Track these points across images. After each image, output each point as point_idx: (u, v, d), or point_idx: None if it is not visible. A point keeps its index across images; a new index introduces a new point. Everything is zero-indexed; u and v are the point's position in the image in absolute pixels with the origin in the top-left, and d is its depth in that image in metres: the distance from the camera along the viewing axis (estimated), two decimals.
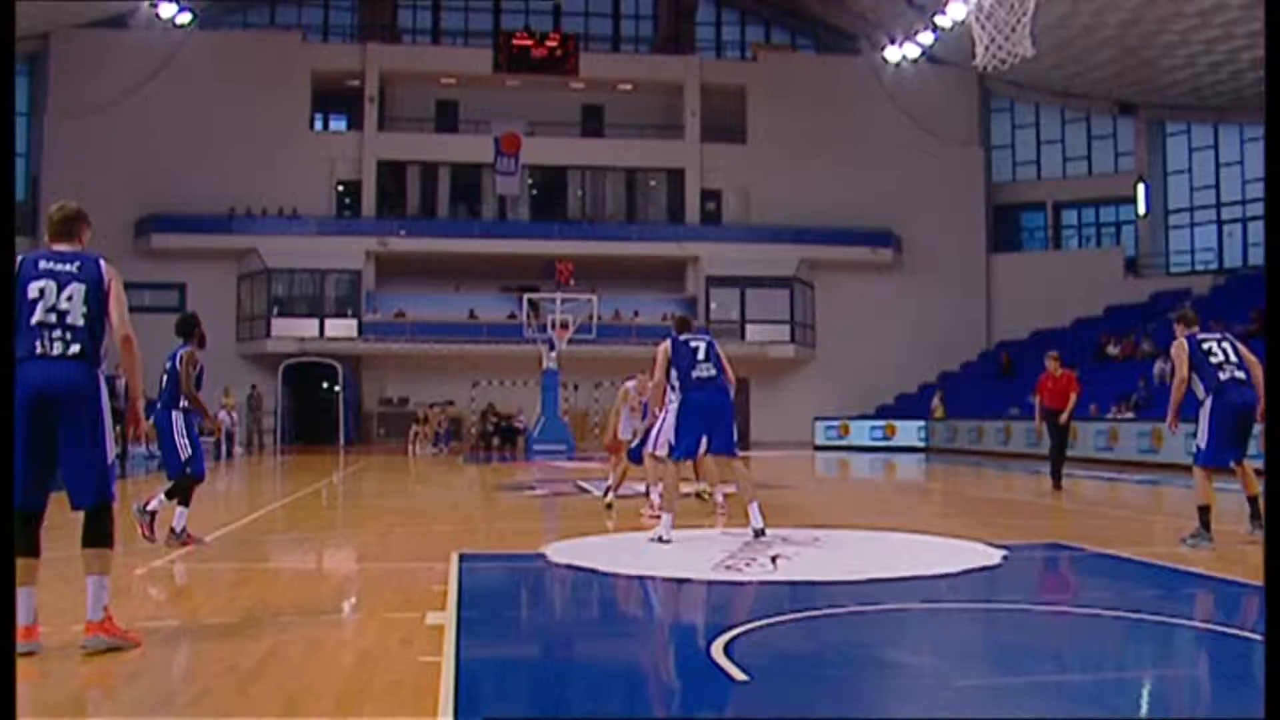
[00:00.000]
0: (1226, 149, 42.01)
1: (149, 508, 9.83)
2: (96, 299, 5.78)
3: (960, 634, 6.54)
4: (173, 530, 9.77)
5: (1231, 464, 10.12)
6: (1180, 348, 10.27)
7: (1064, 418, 16.90)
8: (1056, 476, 17.08)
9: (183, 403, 9.92)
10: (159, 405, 9.96)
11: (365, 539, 11.12)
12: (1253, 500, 10.07)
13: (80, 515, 5.74)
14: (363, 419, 41.40)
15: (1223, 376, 10.02)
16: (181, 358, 9.95)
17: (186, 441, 9.92)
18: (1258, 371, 10.17)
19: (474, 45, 44.72)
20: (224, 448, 30.27)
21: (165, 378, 9.97)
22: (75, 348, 5.68)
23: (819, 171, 42.75)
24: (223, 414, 30.08)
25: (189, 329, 10.22)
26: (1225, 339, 10.37)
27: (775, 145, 43.22)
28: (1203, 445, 10.03)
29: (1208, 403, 10.07)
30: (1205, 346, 10.18)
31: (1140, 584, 8.44)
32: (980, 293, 44.39)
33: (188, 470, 9.87)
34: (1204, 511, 9.93)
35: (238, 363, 38.16)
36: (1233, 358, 10.13)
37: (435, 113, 44.89)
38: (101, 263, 5.87)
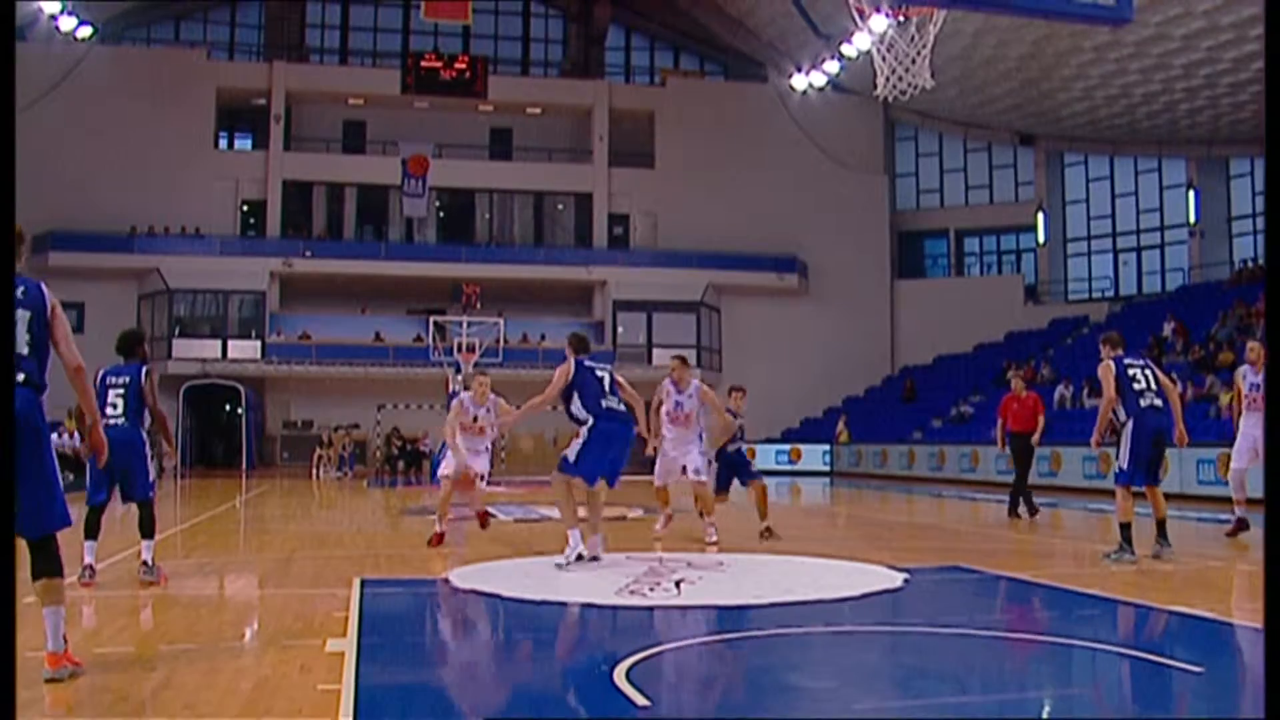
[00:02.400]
0: (1121, 180, 43.08)
1: (146, 559, 9.23)
2: (41, 326, 5.63)
3: (862, 657, 6.59)
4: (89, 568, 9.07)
5: (1144, 487, 10.60)
6: (1107, 369, 10.59)
7: (1035, 439, 16.30)
8: (1028, 502, 16.21)
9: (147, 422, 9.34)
10: (124, 423, 9.13)
11: (266, 564, 10.94)
12: (1160, 524, 10.56)
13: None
14: (266, 442, 40.82)
15: (1143, 403, 10.43)
16: (147, 374, 9.35)
17: (153, 464, 9.41)
18: (1174, 396, 10.74)
19: (382, 66, 44.51)
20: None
21: (122, 394, 9.22)
22: (21, 375, 5.50)
23: (726, 197, 43.08)
24: None
25: (134, 346, 9.61)
26: (1147, 366, 10.79)
27: (683, 170, 43.50)
28: (1124, 466, 10.46)
29: (1129, 426, 10.45)
30: (1130, 372, 10.56)
31: (1038, 606, 8.59)
32: (884, 318, 44.97)
33: (152, 495, 9.34)
34: (1125, 529, 10.39)
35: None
36: (1153, 385, 10.55)
37: (342, 133, 44.58)
38: (44, 288, 5.72)
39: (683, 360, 13.39)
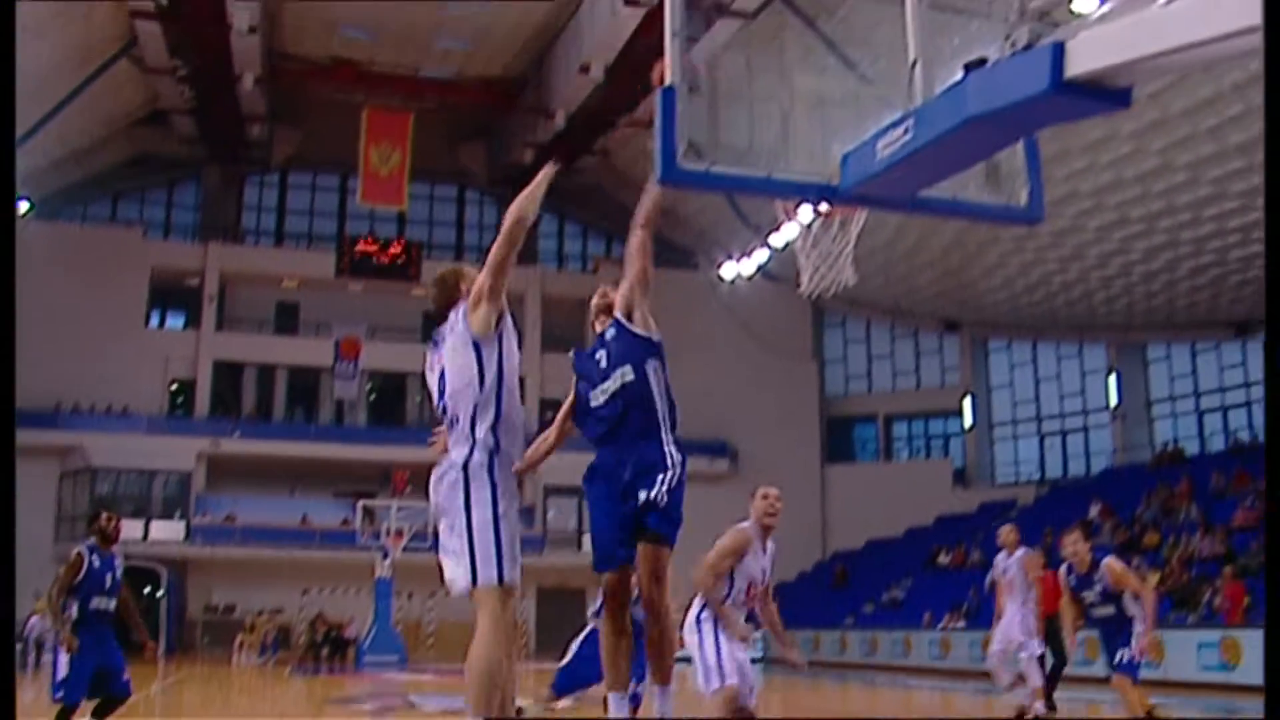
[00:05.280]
0: (1044, 365, 44.01)
1: None
2: None
3: None
4: None
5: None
6: (1116, 563, 10.26)
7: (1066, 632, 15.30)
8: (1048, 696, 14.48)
9: (77, 609, 8.91)
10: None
11: None
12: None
13: None
14: (186, 627, 39.75)
15: None
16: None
17: (65, 658, 8.79)
18: None
19: (317, 249, 44.89)
20: (33, 656, 28.68)
21: None
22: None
23: None
24: (34, 620, 28.59)
25: (88, 524, 9.42)
26: None
27: None
28: (1137, 657, 9.95)
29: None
30: None
31: None
32: (815, 503, 45.09)
33: (58, 695, 8.78)
34: None
35: (54, 566, 36.42)
36: None
37: (275, 314, 44.66)
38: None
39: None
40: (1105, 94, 4.20)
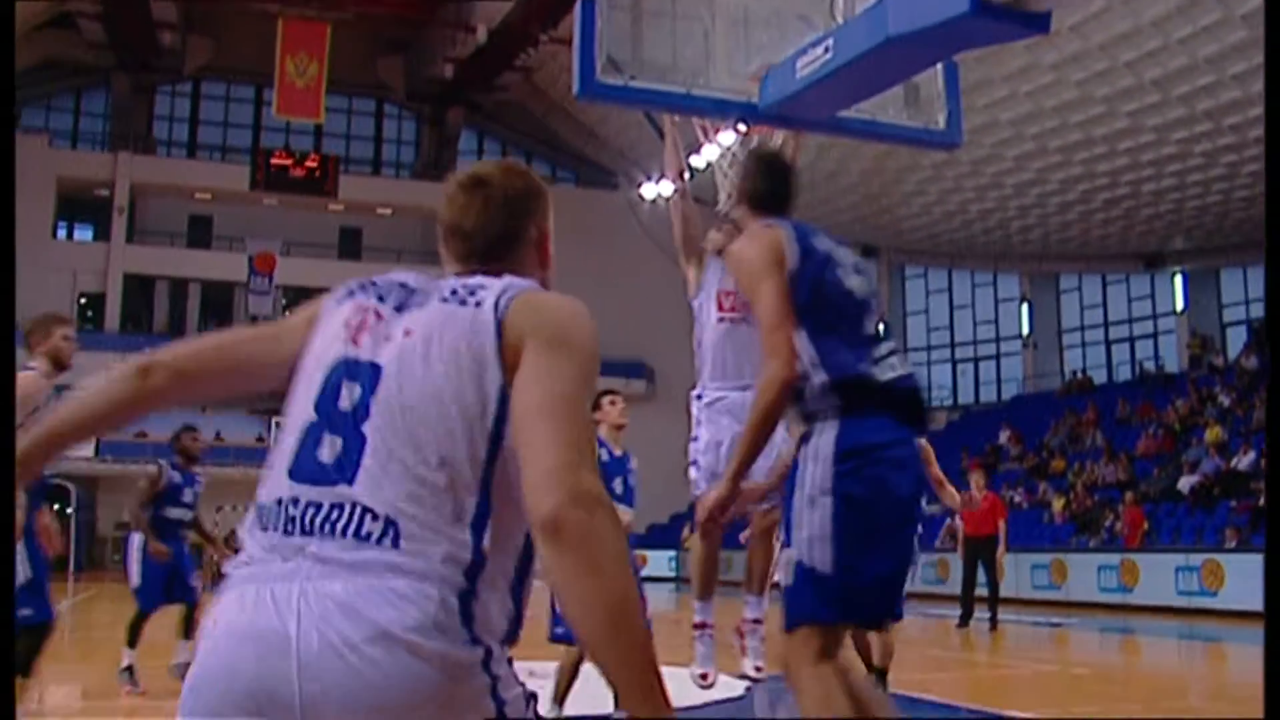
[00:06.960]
0: (959, 292, 44.51)
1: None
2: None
3: None
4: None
5: None
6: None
7: (1000, 552, 14.70)
8: (988, 617, 14.97)
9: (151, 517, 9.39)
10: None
11: (91, 676, 10.49)
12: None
13: None
14: (96, 544, 39.34)
15: None
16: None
17: (138, 568, 9.36)
18: None
19: (231, 161, 44.02)
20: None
21: None
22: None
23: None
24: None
25: (172, 441, 9.67)
26: None
27: None
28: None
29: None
30: None
31: None
32: None
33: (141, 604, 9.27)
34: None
35: None
36: None
37: (188, 227, 43.83)
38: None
39: None
40: (1024, 17, 4.20)
